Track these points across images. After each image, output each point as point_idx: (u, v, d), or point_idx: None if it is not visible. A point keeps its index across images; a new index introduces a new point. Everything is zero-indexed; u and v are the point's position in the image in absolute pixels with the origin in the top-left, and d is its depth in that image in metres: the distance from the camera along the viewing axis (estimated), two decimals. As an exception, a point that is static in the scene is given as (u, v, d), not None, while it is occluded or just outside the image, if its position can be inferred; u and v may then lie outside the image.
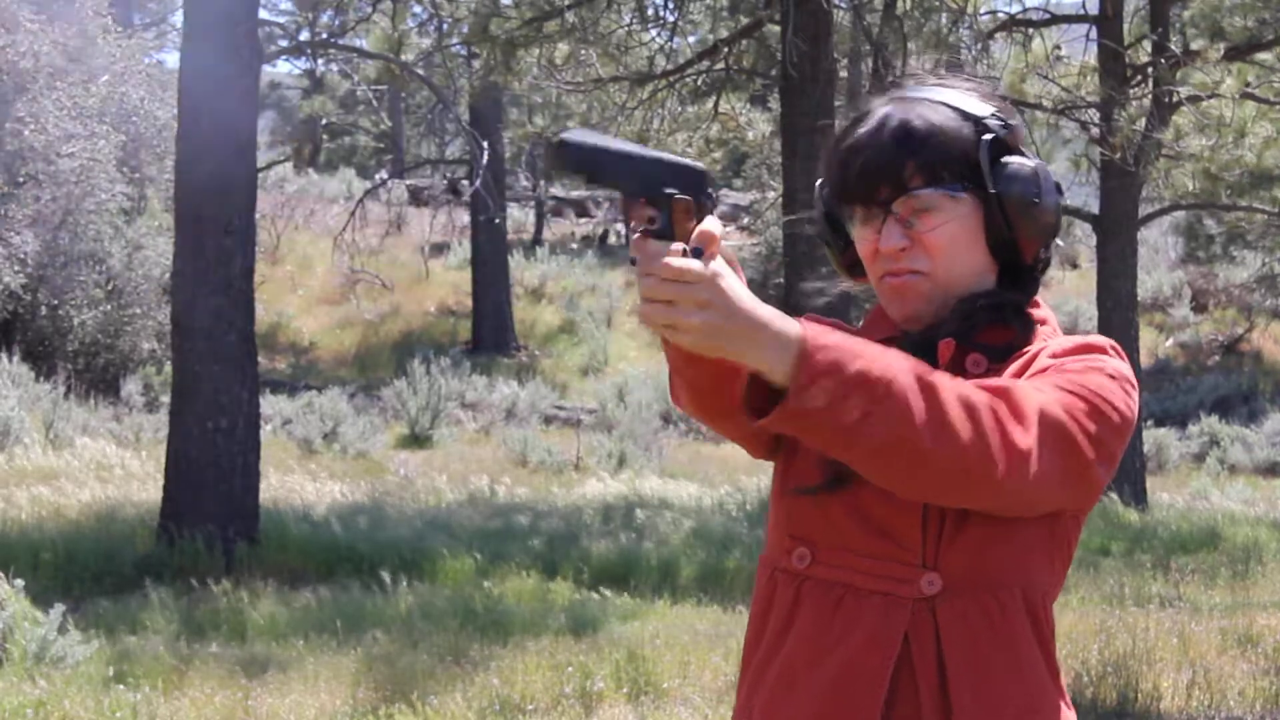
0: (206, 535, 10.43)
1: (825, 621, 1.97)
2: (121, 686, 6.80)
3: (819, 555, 1.98)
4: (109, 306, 19.74)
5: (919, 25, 12.92)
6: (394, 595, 9.44)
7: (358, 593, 9.62)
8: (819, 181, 2.14)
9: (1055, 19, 15.44)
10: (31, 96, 18.55)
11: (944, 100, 2.05)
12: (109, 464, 14.32)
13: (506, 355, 25.16)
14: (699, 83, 16.05)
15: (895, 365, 1.74)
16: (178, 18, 36.95)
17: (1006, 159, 2.03)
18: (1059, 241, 2.14)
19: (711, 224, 1.68)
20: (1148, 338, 24.54)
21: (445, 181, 33.89)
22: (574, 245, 32.24)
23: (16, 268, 18.22)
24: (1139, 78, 14.88)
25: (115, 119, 20.50)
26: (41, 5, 20.01)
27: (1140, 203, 15.76)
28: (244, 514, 10.78)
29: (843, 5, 13.70)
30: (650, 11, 15.41)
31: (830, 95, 13.03)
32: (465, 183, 28.00)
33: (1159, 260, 30.36)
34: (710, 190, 1.72)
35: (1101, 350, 1.99)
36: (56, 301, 19.42)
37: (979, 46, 14.09)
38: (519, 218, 33.53)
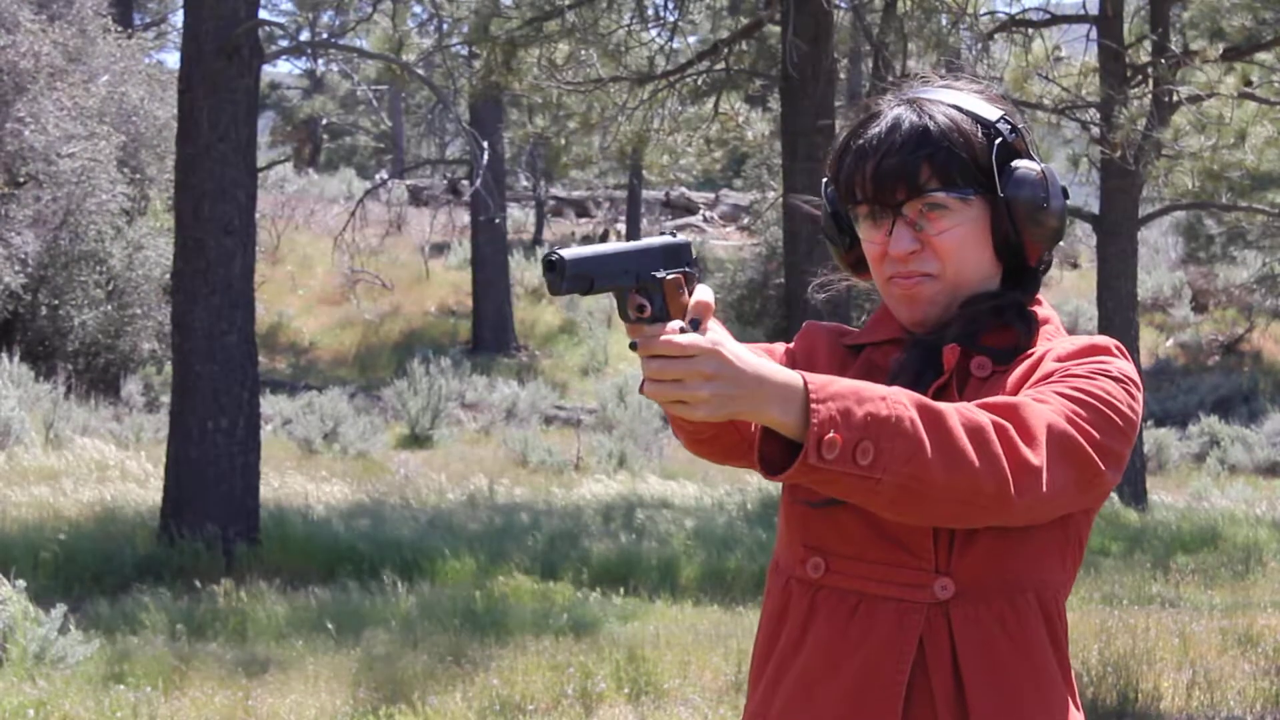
0: (206, 535, 10.42)
1: (841, 629, 1.98)
2: (122, 686, 6.80)
3: (833, 564, 2.00)
4: (109, 307, 19.73)
5: (919, 26, 12.93)
6: (394, 595, 9.43)
7: (358, 593, 9.61)
8: (824, 180, 2.14)
9: (1055, 19, 15.43)
10: (31, 96, 18.52)
11: (954, 103, 2.05)
12: (109, 464, 14.31)
13: (507, 355, 25.15)
14: (699, 83, 16.05)
15: (900, 402, 1.76)
16: (178, 18, 36.98)
17: (1016, 163, 2.04)
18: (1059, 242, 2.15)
19: (703, 293, 1.76)
20: (1148, 338, 24.53)
21: (445, 181, 33.91)
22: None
23: (17, 268, 18.21)
24: (1139, 78, 14.87)
25: (115, 119, 20.47)
26: (41, 5, 20.00)
27: (1140, 203, 15.75)
28: (244, 514, 10.78)
29: (843, 5, 13.71)
30: (650, 11, 15.43)
31: (830, 95, 13.05)
32: (465, 183, 28.00)
33: (1159, 260, 30.34)
34: (693, 257, 1.81)
35: (1106, 351, 1.99)
36: (57, 301, 19.41)
37: (979, 47, 14.10)
38: (519, 218, 33.53)
